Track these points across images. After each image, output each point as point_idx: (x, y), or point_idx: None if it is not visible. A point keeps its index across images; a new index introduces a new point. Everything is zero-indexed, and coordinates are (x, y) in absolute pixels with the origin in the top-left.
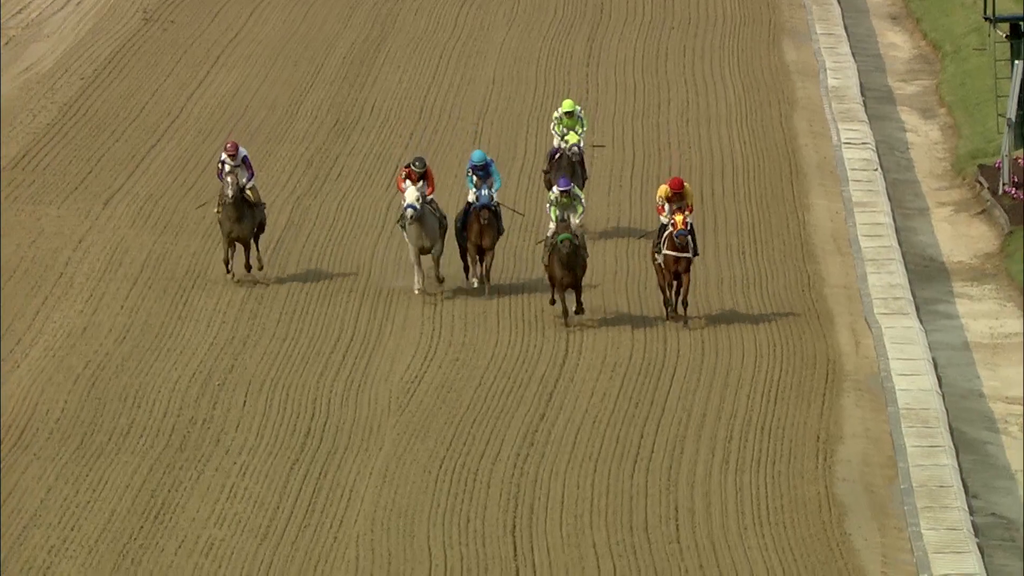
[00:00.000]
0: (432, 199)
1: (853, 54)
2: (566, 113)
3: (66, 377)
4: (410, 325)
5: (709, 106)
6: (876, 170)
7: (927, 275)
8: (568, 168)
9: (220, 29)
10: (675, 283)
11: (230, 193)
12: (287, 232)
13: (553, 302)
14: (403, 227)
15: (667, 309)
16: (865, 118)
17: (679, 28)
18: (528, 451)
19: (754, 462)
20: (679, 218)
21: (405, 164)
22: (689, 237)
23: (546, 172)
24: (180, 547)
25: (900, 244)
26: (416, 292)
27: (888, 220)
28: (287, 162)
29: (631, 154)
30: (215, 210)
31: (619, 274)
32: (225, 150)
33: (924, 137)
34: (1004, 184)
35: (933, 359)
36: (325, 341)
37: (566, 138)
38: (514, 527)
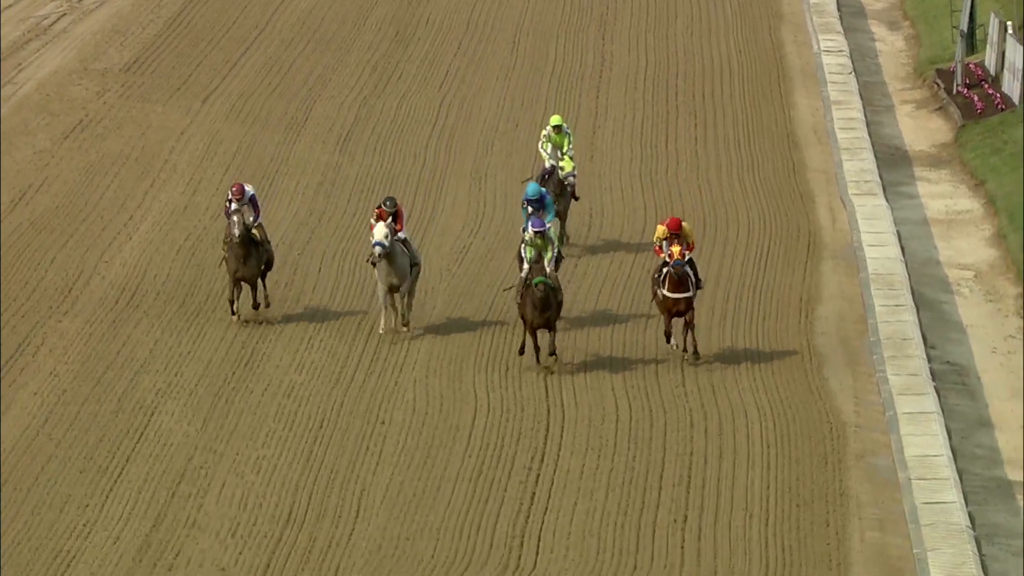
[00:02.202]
0: (405, 238)
1: None
2: (554, 128)
3: (170, 248)
4: (459, 204)
5: (710, 20)
6: (850, 73)
7: (893, 162)
8: (559, 186)
9: None
10: (682, 323)
11: (236, 233)
12: (356, 126)
13: (522, 351)
14: (373, 264)
15: (671, 346)
16: (841, 30)
17: None
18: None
19: (747, 319)
20: (676, 248)
21: (377, 205)
22: (689, 272)
23: None
24: (266, 390)
25: (870, 135)
26: (381, 331)
27: (860, 115)
28: (355, 67)
29: (644, 62)
30: (221, 249)
31: (635, 178)
32: (232, 192)
33: (890, 46)
34: (957, 85)
35: (897, 232)
36: None
37: (561, 164)
38: (546, 373)
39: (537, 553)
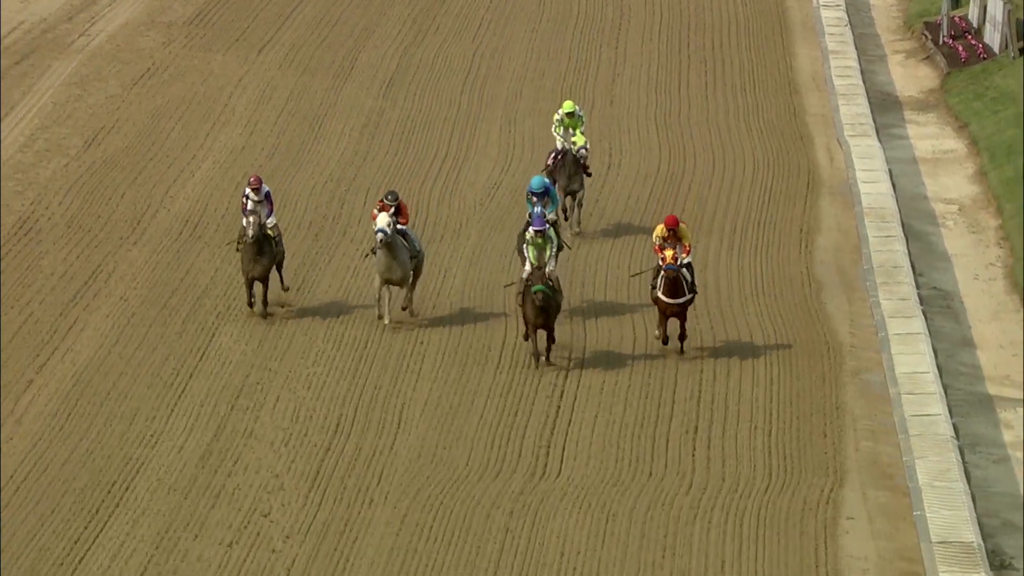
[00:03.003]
0: (408, 231)
1: None
2: (567, 114)
3: (229, 184)
4: (491, 145)
5: None
6: (846, 25)
7: (884, 106)
8: (572, 166)
9: None
10: (677, 324)
11: (251, 234)
12: (397, 74)
13: (527, 337)
14: (373, 253)
15: (663, 341)
16: None
17: None
18: (580, 240)
19: (752, 248)
20: (669, 253)
21: (380, 198)
22: (685, 275)
23: (550, 171)
24: (316, 313)
25: (864, 82)
26: (387, 323)
27: (855, 64)
28: (397, 20)
29: (659, 16)
30: (236, 247)
31: (650, 121)
32: (249, 184)
33: (883, 1)
34: (943, 36)
35: (889, 170)
36: (426, 157)
37: (573, 140)
38: (569, 302)
39: (562, 461)
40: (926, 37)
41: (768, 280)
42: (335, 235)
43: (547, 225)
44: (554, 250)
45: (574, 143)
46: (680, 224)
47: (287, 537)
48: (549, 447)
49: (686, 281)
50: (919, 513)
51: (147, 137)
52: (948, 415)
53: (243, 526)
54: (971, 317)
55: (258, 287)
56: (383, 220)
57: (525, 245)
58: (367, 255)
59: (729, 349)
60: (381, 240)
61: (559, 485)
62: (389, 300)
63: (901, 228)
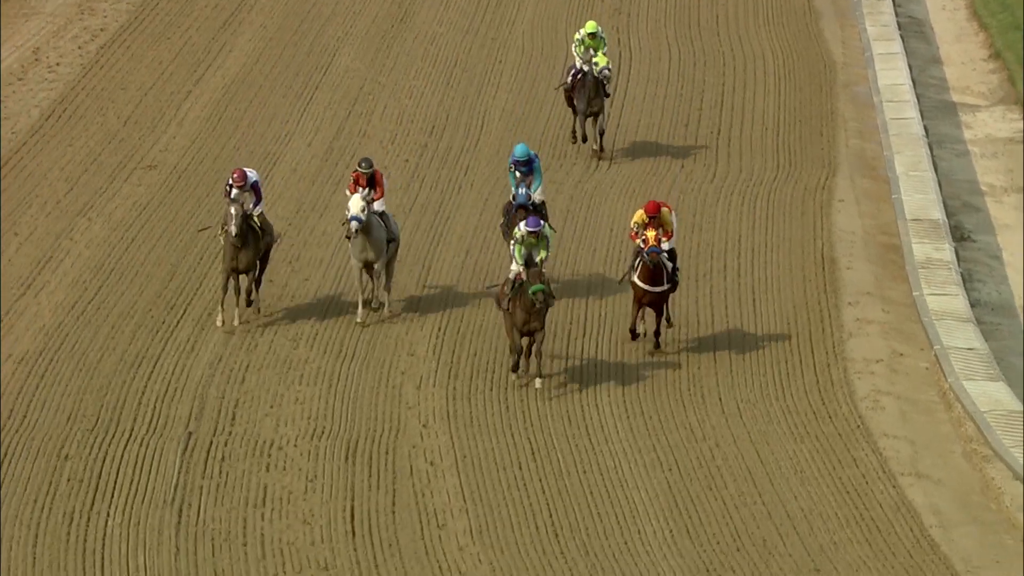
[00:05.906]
0: (384, 211)
1: None
2: (589, 34)
3: None
4: None
5: None
6: None
7: None
8: (593, 88)
9: None
10: (652, 316)
11: (234, 229)
12: None
13: (515, 368)
14: (348, 238)
15: (632, 335)
16: None
17: None
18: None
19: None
20: (651, 234)
21: (354, 169)
22: (666, 262)
23: (568, 90)
24: (416, 38)
25: None
26: (359, 321)
27: None
28: None
29: None
30: (218, 235)
31: None
32: (232, 178)
33: None
34: None
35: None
36: None
37: (595, 60)
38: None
39: (612, 153)
40: None
41: (776, 10)
42: (432, 18)
43: (542, 224)
44: (548, 250)
45: (595, 63)
46: (662, 209)
47: (394, 214)
48: (602, 145)
49: (666, 269)
50: (896, 196)
51: None
52: (920, 118)
53: None
54: (939, 39)
55: (243, 281)
56: (356, 205)
57: (513, 244)
58: (345, 235)
59: (746, 66)
60: (355, 229)
61: (610, 175)
62: (371, 290)
63: None
